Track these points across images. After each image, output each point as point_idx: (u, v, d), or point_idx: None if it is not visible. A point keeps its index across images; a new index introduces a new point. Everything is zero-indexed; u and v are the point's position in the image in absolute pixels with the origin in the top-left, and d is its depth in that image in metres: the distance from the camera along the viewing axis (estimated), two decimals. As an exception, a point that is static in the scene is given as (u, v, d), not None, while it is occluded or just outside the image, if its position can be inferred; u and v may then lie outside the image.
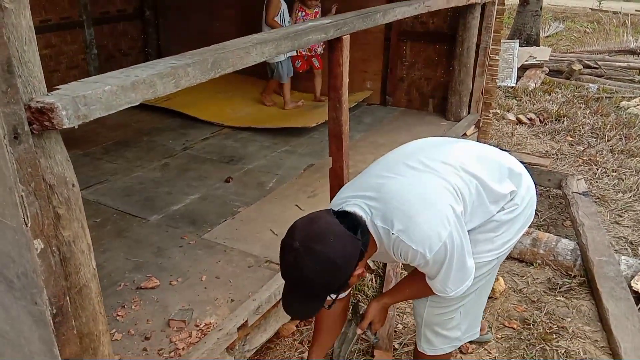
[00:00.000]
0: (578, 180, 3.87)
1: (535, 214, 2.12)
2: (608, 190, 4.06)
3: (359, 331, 1.92)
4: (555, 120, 5.66)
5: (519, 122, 5.67)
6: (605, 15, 12.96)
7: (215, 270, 2.46)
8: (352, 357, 2.40)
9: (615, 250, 3.23)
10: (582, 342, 2.50)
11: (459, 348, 2.34)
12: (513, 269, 3.07)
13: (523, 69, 7.38)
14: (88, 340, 1.43)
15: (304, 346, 2.46)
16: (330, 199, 2.00)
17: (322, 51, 4.76)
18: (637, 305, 2.62)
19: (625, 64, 7.88)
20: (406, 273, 2.50)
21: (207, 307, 2.21)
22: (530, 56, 7.62)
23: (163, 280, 2.37)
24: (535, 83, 6.90)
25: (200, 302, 2.24)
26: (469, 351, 2.43)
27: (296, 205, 3.09)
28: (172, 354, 1.95)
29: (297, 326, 2.56)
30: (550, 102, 6.19)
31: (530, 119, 5.68)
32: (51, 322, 1.26)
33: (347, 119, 2.51)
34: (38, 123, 1.15)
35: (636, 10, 13.69)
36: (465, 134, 4.41)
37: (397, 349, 2.46)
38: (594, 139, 5.13)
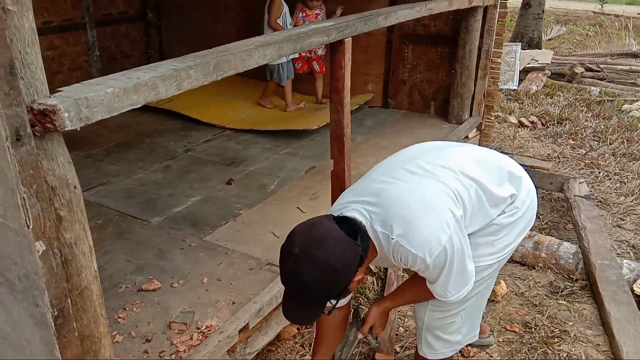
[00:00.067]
0: (580, 183, 3.86)
1: (537, 217, 2.12)
2: (610, 193, 4.05)
3: (360, 335, 1.91)
4: (557, 123, 5.65)
5: (521, 125, 5.67)
6: (607, 18, 12.95)
7: (217, 273, 2.45)
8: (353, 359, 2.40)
9: (617, 253, 3.22)
10: (584, 346, 2.49)
11: (461, 351, 2.33)
12: (515, 272, 3.07)
13: (525, 71, 7.38)
14: (89, 342, 1.43)
15: (305, 349, 2.45)
16: (332, 202, 2.00)
17: (323, 52, 4.77)
18: (639, 309, 2.61)
19: (628, 67, 7.87)
20: (407, 276, 2.50)
21: (209, 309, 2.20)
22: (532, 59, 7.62)
23: (164, 283, 2.37)
24: (537, 86, 6.89)
25: (201, 304, 2.23)
26: (470, 355, 2.43)
27: (298, 207, 3.09)
28: (173, 356, 1.95)
29: (298, 329, 2.56)
30: (552, 105, 6.19)
31: (532, 122, 5.67)
32: (52, 324, 1.26)
33: (348, 122, 2.51)
34: (40, 125, 1.15)
35: (638, 14, 13.66)
36: (467, 137, 4.41)
37: (399, 352, 2.45)
38: (596, 142, 5.12)
